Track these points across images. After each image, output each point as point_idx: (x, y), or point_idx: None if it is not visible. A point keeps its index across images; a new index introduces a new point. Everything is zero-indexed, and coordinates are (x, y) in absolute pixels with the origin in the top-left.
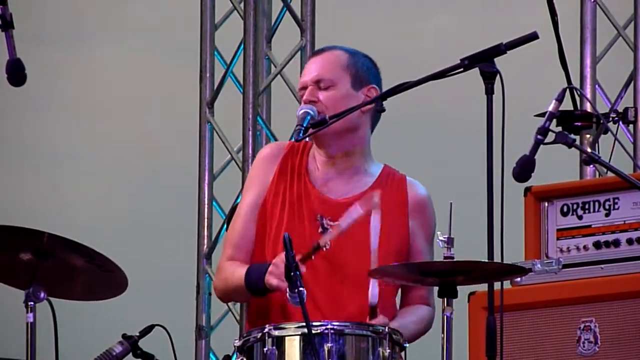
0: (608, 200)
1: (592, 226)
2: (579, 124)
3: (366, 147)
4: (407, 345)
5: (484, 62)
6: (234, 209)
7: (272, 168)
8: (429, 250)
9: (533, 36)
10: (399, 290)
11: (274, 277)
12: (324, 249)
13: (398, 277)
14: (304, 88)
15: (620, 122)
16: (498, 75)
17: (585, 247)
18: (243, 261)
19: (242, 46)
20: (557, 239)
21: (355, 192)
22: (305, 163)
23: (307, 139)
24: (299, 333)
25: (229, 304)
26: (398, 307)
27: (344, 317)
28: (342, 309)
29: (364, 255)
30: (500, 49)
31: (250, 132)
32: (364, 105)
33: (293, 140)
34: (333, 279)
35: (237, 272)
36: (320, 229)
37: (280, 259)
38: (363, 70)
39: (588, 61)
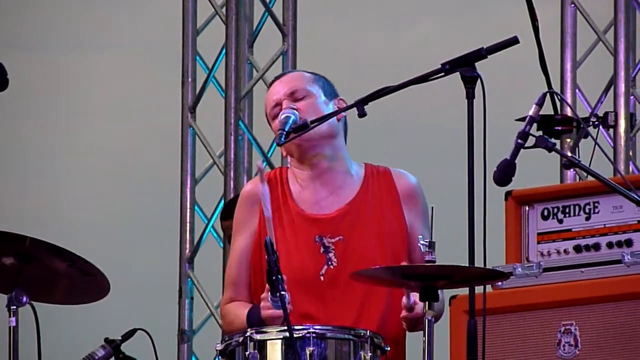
0: (588, 204)
1: (573, 230)
2: (560, 128)
3: (345, 152)
4: (389, 348)
5: (464, 66)
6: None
7: (256, 206)
8: (429, 236)
9: (513, 41)
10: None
11: (265, 309)
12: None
13: (380, 280)
14: (278, 105)
15: (601, 127)
16: (479, 80)
17: (565, 251)
18: (243, 299)
19: (224, 51)
20: (538, 242)
21: (346, 200)
22: (288, 190)
23: (286, 154)
24: (281, 337)
25: (210, 306)
26: None
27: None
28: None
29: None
30: (480, 54)
31: (232, 137)
32: (346, 110)
33: (275, 144)
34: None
35: (239, 317)
36: (322, 249)
37: (265, 295)
38: (327, 85)
39: (568, 66)
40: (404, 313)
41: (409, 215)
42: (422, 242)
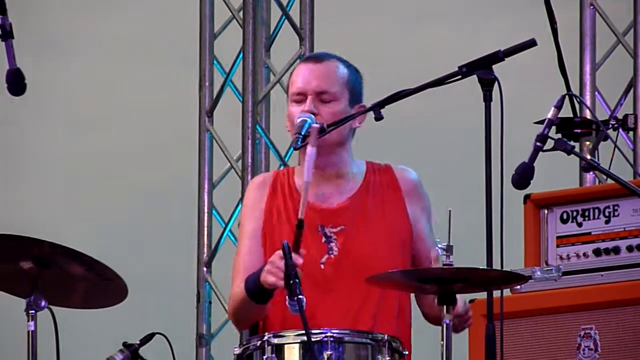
0: (608, 207)
1: (592, 233)
2: (579, 131)
3: (351, 156)
4: (407, 352)
5: (482, 69)
6: None
7: (264, 194)
8: (431, 231)
9: (531, 43)
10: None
11: (270, 274)
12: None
13: (397, 284)
14: (302, 94)
15: (620, 129)
16: (496, 83)
17: (585, 255)
18: None
19: (241, 55)
20: (557, 246)
21: (348, 195)
22: (294, 184)
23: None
24: (299, 341)
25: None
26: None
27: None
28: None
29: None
30: (498, 56)
31: (250, 141)
32: (363, 113)
33: (292, 148)
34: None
35: (239, 287)
36: (323, 239)
37: (277, 255)
38: (358, 87)
39: (587, 68)
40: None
41: (412, 209)
42: (439, 245)
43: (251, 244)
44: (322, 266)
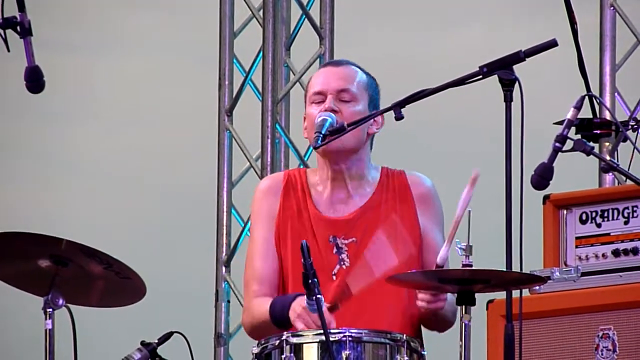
0: (627, 208)
1: (611, 234)
2: (598, 131)
3: (368, 163)
4: (425, 352)
5: (502, 69)
6: None
7: (276, 201)
8: (442, 240)
9: (552, 43)
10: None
11: (301, 320)
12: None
13: (417, 284)
14: (321, 94)
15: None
16: (517, 83)
17: (604, 255)
18: (270, 295)
19: (260, 54)
20: (576, 246)
21: (361, 204)
22: (308, 191)
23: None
24: (317, 340)
25: None
26: None
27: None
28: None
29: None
30: (519, 56)
31: (269, 140)
32: (383, 112)
33: (312, 147)
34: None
35: (262, 307)
36: (335, 250)
37: (307, 312)
38: (376, 95)
39: (607, 69)
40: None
41: (423, 218)
42: (458, 246)
43: (265, 250)
44: (334, 277)
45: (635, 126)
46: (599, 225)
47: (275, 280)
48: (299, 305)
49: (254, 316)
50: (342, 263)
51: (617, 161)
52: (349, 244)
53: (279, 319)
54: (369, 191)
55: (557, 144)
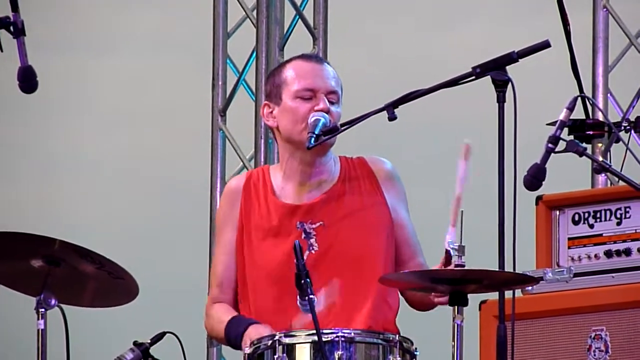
0: (619, 209)
1: (604, 235)
2: (591, 132)
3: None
4: (418, 353)
5: (495, 70)
6: None
7: (238, 201)
8: (410, 218)
9: (545, 44)
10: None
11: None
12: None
13: (408, 284)
14: (313, 91)
15: (632, 131)
16: (510, 84)
17: (596, 256)
18: (227, 301)
19: (254, 54)
20: (569, 247)
21: (324, 189)
22: (270, 185)
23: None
24: (310, 341)
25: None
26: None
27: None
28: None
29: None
30: (512, 57)
31: (262, 140)
32: (376, 113)
33: (305, 147)
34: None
35: (220, 323)
36: (303, 235)
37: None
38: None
39: (600, 70)
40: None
41: (390, 197)
42: (451, 246)
43: (226, 259)
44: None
45: (628, 127)
46: (591, 226)
47: (233, 286)
48: (253, 331)
49: (213, 327)
50: (311, 248)
51: (610, 162)
52: (317, 228)
53: (234, 340)
54: (333, 177)
55: (549, 145)
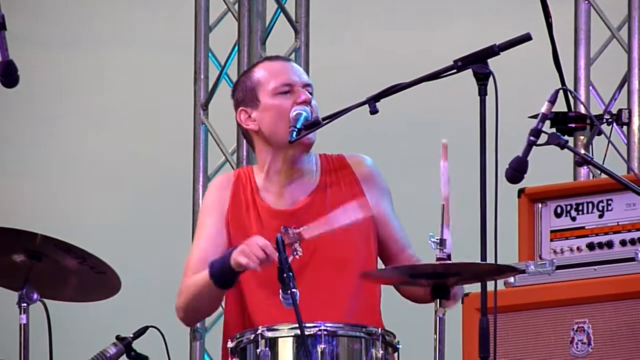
0: (601, 201)
1: (586, 227)
2: (573, 125)
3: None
4: (401, 346)
5: (477, 63)
6: None
7: (226, 197)
8: (395, 213)
9: (526, 37)
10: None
11: (244, 255)
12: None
13: (389, 279)
14: (290, 85)
15: (614, 124)
16: (491, 77)
17: (578, 249)
18: None
19: (236, 48)
20: (551, 240)
21: (308, 192)
22: (255, 186)
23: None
24: (292, 334)
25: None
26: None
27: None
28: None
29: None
30: (493, 50)
31: None
32: (358, 106)
33: (288, 141)
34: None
35: (198, 275)
36: (287, 240)
37: (257, 238)
38: None
39: (582, 62)
40: None
41: (371, 195)
42: (432, 239)
43: (214, 237)
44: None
45: (610, 120)
46: (573, 219)
47: None
48: (247, 242)
49: (188, 291)
50: (295, 253)
51: (592, 155)
52: (301, 233)
53: (218, 273)
54: (314, 178)
55: (531, 138)
